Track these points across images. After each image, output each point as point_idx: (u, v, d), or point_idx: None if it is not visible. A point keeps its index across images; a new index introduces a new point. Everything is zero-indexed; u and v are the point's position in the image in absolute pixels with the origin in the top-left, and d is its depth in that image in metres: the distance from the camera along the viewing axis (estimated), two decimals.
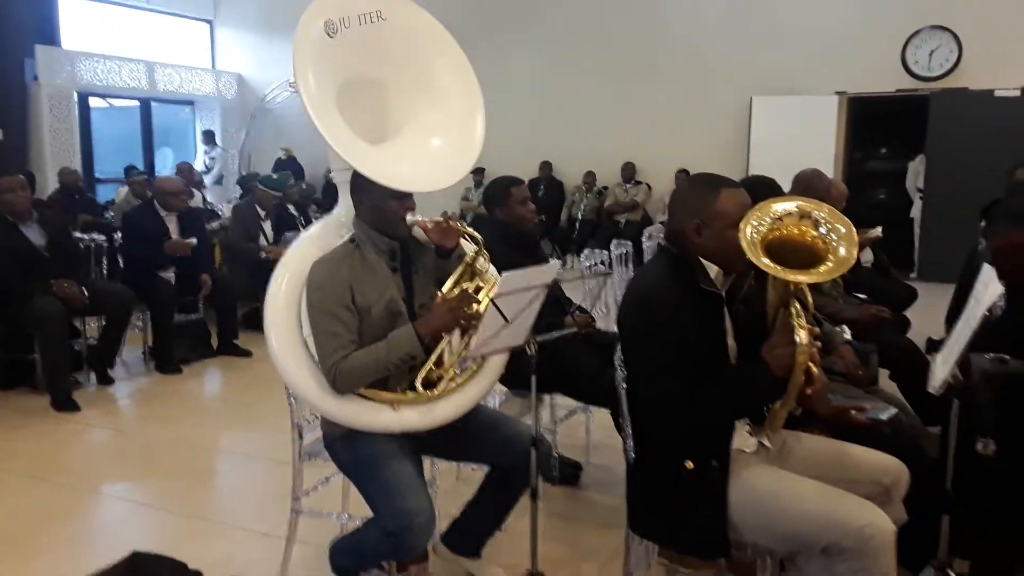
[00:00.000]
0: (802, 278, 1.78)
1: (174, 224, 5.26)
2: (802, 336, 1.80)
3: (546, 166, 9.91)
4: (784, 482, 1.86)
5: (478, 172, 9.04)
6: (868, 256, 5.44)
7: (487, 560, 2.48)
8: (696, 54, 9.06)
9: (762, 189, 2.49)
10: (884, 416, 2.39)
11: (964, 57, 7.81)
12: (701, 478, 1.88)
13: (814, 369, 1.87)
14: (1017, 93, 7.63)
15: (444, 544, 2.49)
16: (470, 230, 2.33)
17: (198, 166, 10.65)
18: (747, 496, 1.84)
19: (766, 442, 2.01)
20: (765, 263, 1.78)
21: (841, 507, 1.75)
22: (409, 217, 2.25)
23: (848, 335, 3.65)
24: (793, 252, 1.85)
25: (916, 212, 8.45)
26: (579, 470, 3.29)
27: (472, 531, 2.45)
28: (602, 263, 4.16)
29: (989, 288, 2.01)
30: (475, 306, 2.13)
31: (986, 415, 2.11)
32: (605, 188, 9.52)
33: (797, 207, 1.88)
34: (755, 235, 1.84)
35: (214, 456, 3.83)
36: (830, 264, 1.81)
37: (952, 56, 7.86)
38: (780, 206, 1.88)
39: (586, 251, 4.22)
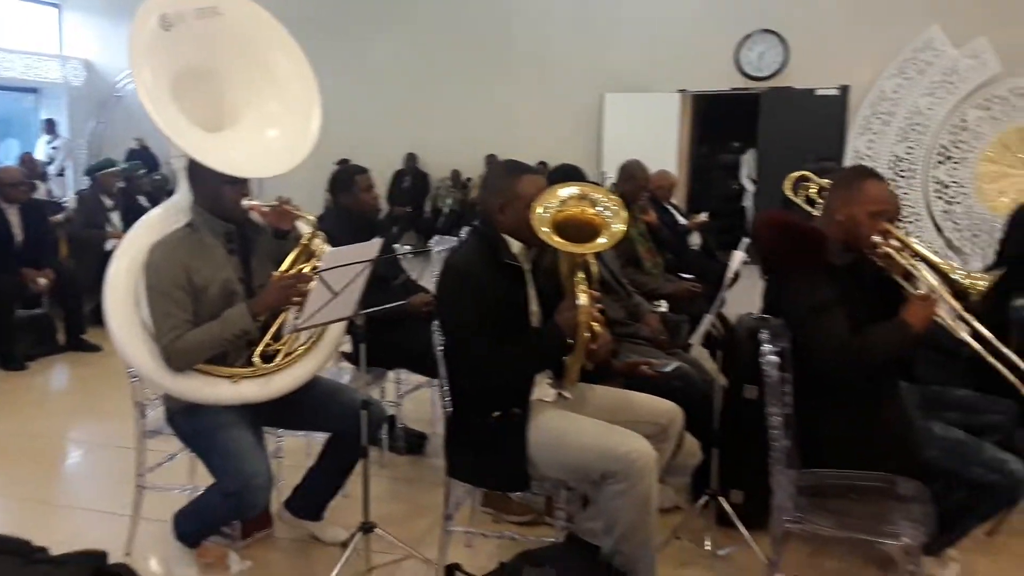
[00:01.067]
0: (581, 249, 2.10)
1: (16, 216, 5.11)
2: (583, 299, 2.13)
3: (411, 158, 10.09)
4: (570, 423, 2.18)
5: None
6: (696, 239, 6.00)
7: (328, 522, 2.68)
8: (551, 51, 9.49)
9: (570, 176, 2.83)
10: (668, 369, 2.77)
11: (790, 59, 8.59)
12: (505, 424, 2.17)
13: (597, 328, 2.20)
14: (836, 91, 8.47)
15: (287, 509, 2.67)
16: (305, 213, 2.52)
17: (40, 156, 10.13)
18: (542, 436, 2.15)
19: (565, 393, 2.33)
20: (552, 238, 2.09)
21: (612, 439, 2.09)
22: (245, 201, 2.41)
23: (665, 307, 4.10)
24: (578, 229, 2.16)
25: (748, 201, 9.23)
26: (424, 440, 3.54)
27: (313, 495, 2.65)
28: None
29: (736, 257, 2.41)
30: (305, 283, 2.33)
31: (748, 365, 2.51)
32: (469, 180, 9.82)
33: (578, 191, 2.19)
34: (545, 214, 2.15)
35: (61, 445, 3.82)
36: (606, 238, 2.13)
37: (779, 58, 8.63)
38: (564, 191, 2.18)
39: (437, 237, 4.48)
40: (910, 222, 8.19)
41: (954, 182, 8.09)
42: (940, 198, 8.13)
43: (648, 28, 9.03)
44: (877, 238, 2.40)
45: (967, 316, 2.32)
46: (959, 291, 2.38)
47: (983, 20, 7.72)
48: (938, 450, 2.31)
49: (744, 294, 4.82)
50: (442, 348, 2.30)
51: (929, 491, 2.20)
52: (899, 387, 2.47)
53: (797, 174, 3.66)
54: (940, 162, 8.11)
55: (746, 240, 2.65)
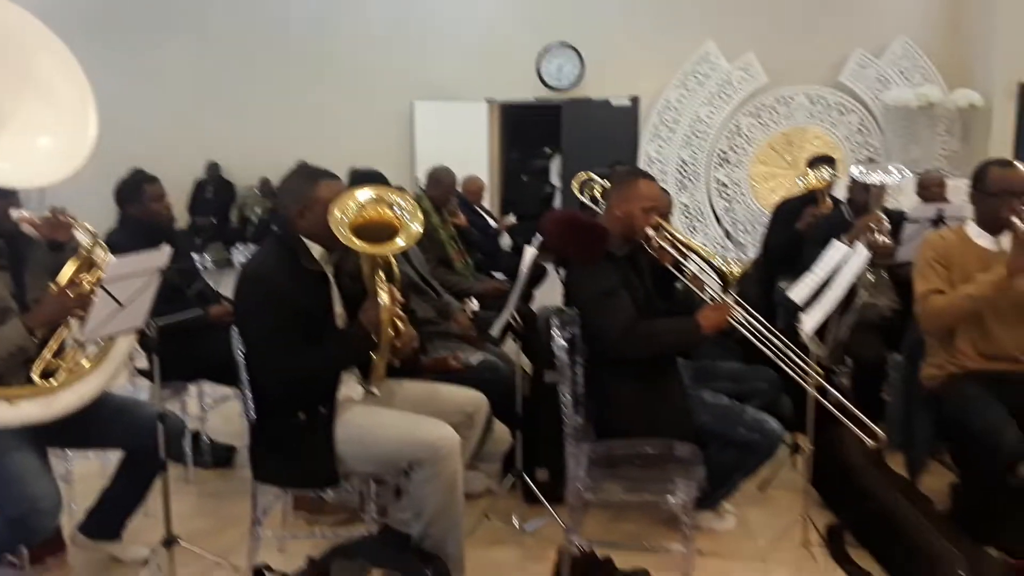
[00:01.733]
0: (380, 251, 2.16)
1: None
2: (384, 298, 2.20)
3: (213, 167, 9.65)
4: (375, 416, 2.24)
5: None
6: (507, 240, 6.26)
7: (128, 541, 2.56)
8: (363, 57, 9.46)
9: (370, 179, 2.90)
10: (474, 361, 2.91)
11: (586, 71, 9.13)
12: (312, 424, 2.19)
13: (400, 325, 2.28)
14: (628, 102, 9.10)
15: (82, 532, 2.52)
16: (83, 223, 2.40)
17: None
18: (349, 432, 2.20)
19: (373, 389, 2.39)
20: (351, 241, 2.14)
21: (417, 428, 2.18)
22: (14, 212, 2.26)
23: (476, 305, 4.25)
24: (377, 231, 2.22)
25: (559, 202, 9.70)
26: (233, 452, 3.44)
27: (109, 515, 2.52)
28: None
29: (527, 253, 2.58)
30: (86, 294, 2.21)
31: (548, 353, 2.69)
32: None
33: (375, 194, 2.25)
34: (344, 218, 2.19)
35: None
36: (404, 238, 2.20)
37: (576, 70, 9.14)
38: (361, 194, 2.24)
39: (240, 246, 4.36)
40: (697, 219, 8.97)
41: (732, 182, 8.95)
42: (721, 197, 8.96)
43: (456, 39, 9.24)
44: (650, 231, 2.68)
45: (723, 297, 2.64)
46: (720, 274, 2.70)
47: (751, 37, 8.62)
48: (709, 416, 2.60)
49: (556, 288, 5.11)
50: (243, 354, 2.28)
51: (702, 453, 2.48)
52: (676, 363, 2.76)
53: (583, 176, 3.95)
54: (720, 164, 8.94)
55: (538, 238, 2.84)
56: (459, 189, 6.22)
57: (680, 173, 8.97)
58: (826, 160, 4.74)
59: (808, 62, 8.66)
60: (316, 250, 2.30)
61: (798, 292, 2.97)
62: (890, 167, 3.84)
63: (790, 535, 2.69)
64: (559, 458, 2.57)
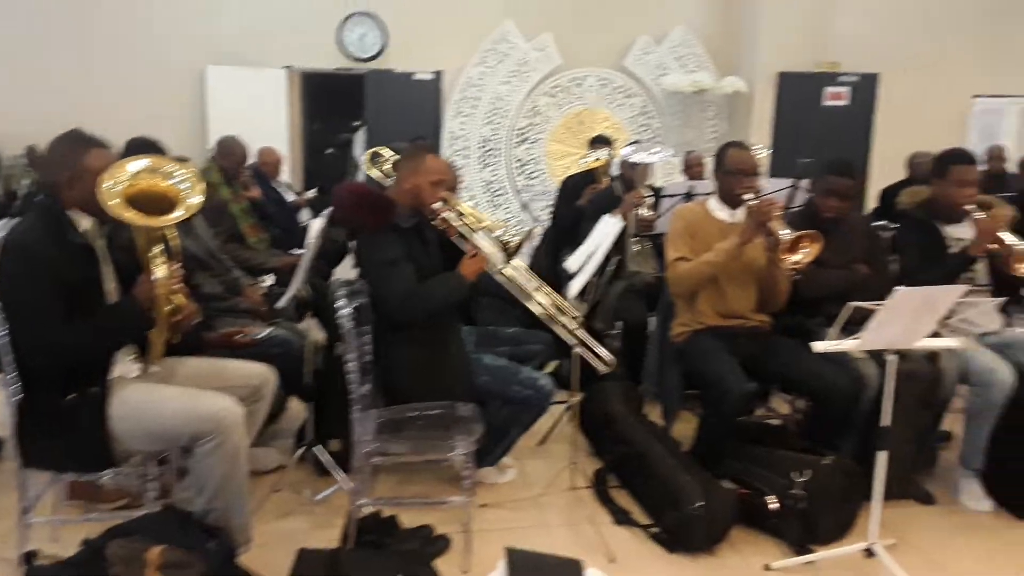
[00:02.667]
0: (154, 223, 2.13)
1: None
2: (160, 272, 2.17)
3: None
4: (153, 392, 2.23)
5: None
6: (307, 215, 6.19)
7: None
8: (146, 16, 8.79)
9: (146, 149, 2.80)
10: (260, 336, 2.93)
11: (389, 42, 9.09)
12: (82, 404, 2.13)
13: (179, 300, 2.26)
14: (431, 76, 9.18)
15: None
16: None
17: None
18: (125, 410, 2.16)
19: (152, 367, 2.35)
20: (122, 212, 2.09)
21: (198, 401, 2.19)
22: None
23: (271, 280, 4.20)
24: (154, 202, 2.18)
25: (362, 177, 9.64)
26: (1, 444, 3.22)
27: None
28: None
29: (314, 225, 2.65)
30: None
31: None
32: None
33: (150, 163, 2.21)
34: (115, 188, 2.13)
35: None
36: (182, 210, 2.18)
37: (379, 41, 9.08)
38: (134, 164, 2.19)
39: (5, 220, 4.01)
40: (498, 194, 9.29)
41: (531, 159, 9.34)
42: (520, 174, 9.33)
43: (254, 1, 8.85)
44: (437, 204, 2.83)
45: (505, 265, 2.86)
46: (506, 245, 2.91)
47: (547, 19, 8.99)
48: (487, 376, 2.82)
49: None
50: (6, 330, 2.16)
51: (481, 411, 2.68)
52: (459, 329, 2.94)
53: (371, 151, 4.03)
54: (519, 143, 9.30)
55: (327, 211, 2.90)
56: (255, 161, 6.06)
57: (483, 150, 9.22)
58: (604, 141, 5.14)
59: (599, 46, 9.19)
60: (86, 222, 2.22)
61: (572, 261, 3.27)
62: (653, 148, 4.25)
63: (561, 481, 2.98)
64: (351, 427, 2.67)
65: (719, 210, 3.12)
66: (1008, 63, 9.34)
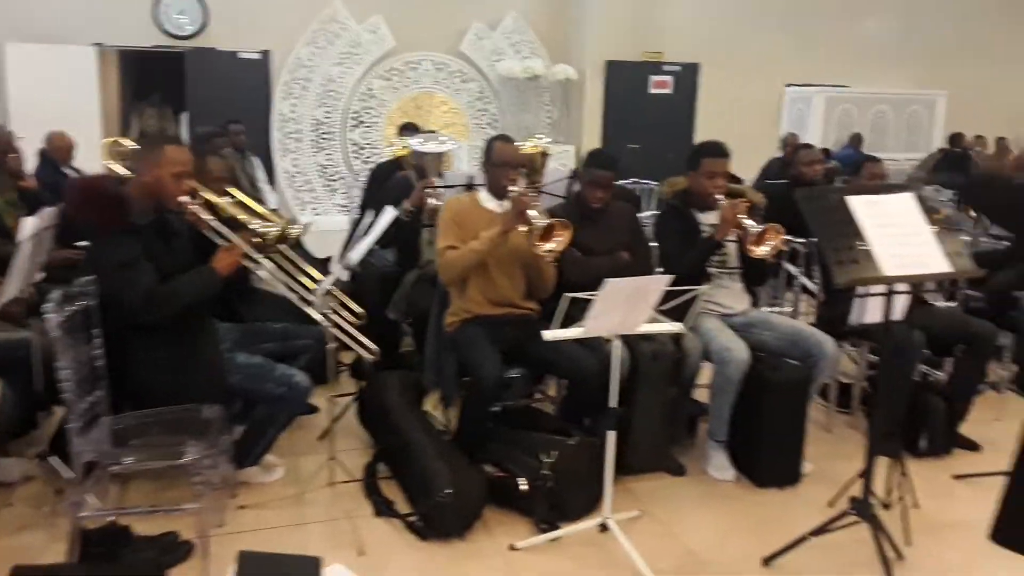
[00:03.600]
0: None
1: None
2: None
3: None
4: None
5: None
6: None
7: None
8: None
9: None
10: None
11: (211, 20, 8.67)
12: None
13: None
14: (258, 55, 8.84)
15: None
16: None
17: None
18: None
19: None
20: None
21: None
22: None
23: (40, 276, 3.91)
24: None
25: None
26: None
27: None
28: None
29: (26, 224, 2.49)
30: None
31: None
32: None
33: None
34: None
35: None
36: None
37: (200, 18, 8.64)
38: None
39: None
40: (333, 179, 9.11)
41: (367, 143, 9.21)
42: (357, 158, 9.18)
43: None
44: (184, 198, 2.71)
45: (257, 255, 2.78)
46: (263, 238, 2.84)
47: (378, 1, 8.85)
48: (240, 376, 2.75)
49: None
50: None
51: (230, 412, 2.62)
52: (212, 326, 2.85)
53: (110, 140, 3.82)
54: (354, 126, 9.14)
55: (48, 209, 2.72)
56: (44, 146, 5.64)
57: (316, 133, 9.00)
58: (413, 128, 5.12)
59: (433, 30, 9.15)
60: None
61: (356, 252, 3.25)
62: (441, 138, 4.28)
63: (321, 477, 2.97)
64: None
65: (488, 201, 3.17)
66: (817, 55, 10.04)
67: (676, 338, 3.13)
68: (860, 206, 2.27)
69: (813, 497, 3.01)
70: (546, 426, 2.99)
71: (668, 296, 2.54)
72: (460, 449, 2.91)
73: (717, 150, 3.37)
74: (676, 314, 2.68)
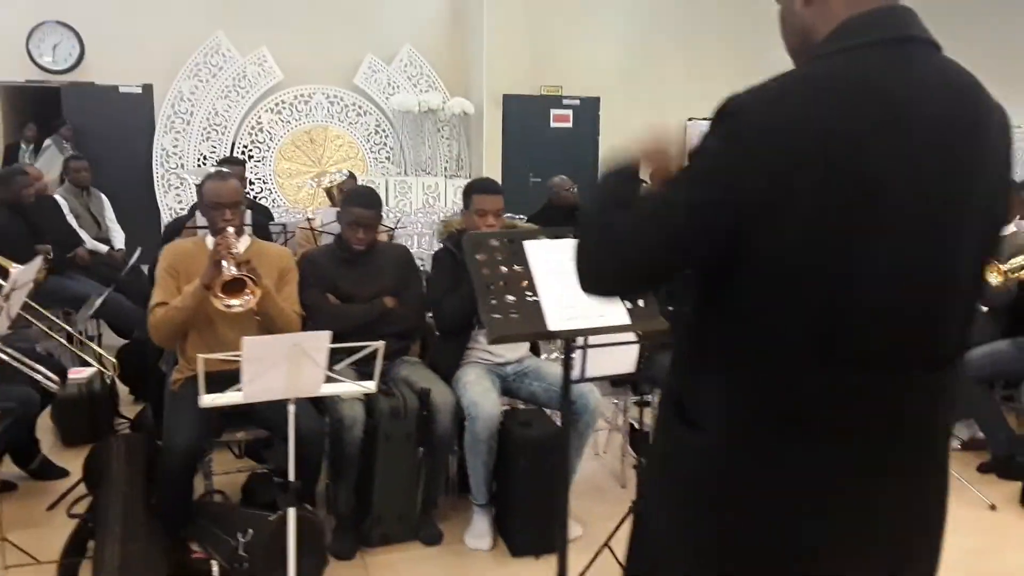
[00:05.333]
0: None
1: None
2: None
3: None
4: None
5: None
6: None
7: None
8: None
9: None
10: None
11: (87, 54, 8.36)
12: None
13: None
14: (139, 90, 8.54)
15: None
16: None
17: None
18: None
19: None
20: None
21: None
22: None
23: None
24: None
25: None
26: None
27: None
28: None
29: None
30: None
31: None
32: None
33: None
34: None
35: None
36: None
37: (75, 52, 8.34)
38: None
39: None
40: None
41: (258, 178, 8.91)
42: (248, 193, 8.86)
43: None
44: None
45: None
46: None
47: (264, 32, 8.60)
48: None
49: None
50: None
51: None
52: None
53: None
54: (244, 161, 8.83)
55: None
56: None
57: (201, 168, 8.68)
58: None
59: (324, 62, 8.91)
60: None
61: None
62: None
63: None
64: None
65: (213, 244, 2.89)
66: (718, 88, 9.95)
67: (423, 393, 2.85)
68: (537, 251, 2.02)
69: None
70: (259, 498, 2.68)
71: (349, 351, 2.26)
72: (164, 527, 2.59)
73: (488, 187, 3.14)
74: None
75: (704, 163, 1.09)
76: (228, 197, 2.78)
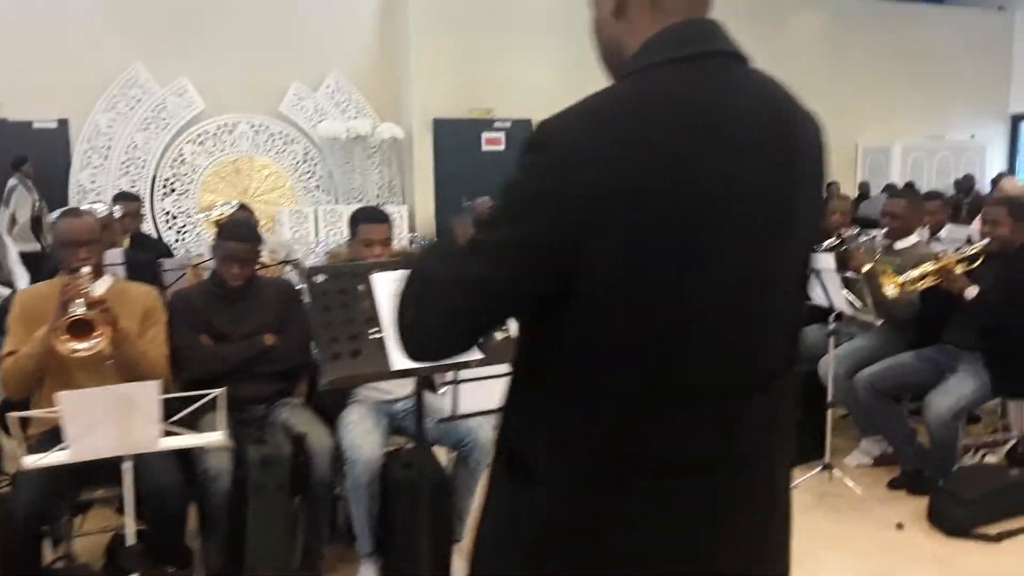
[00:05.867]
0: None
1: None
2: None
3: None
4: None
5: None
6: None
7: None
8: None
9: None
10: None
11: (1, 90, 8.06)
12: None
13: None
14: (55, 125, 8.26)
15: None
16: None
17: None
18: None
19: None
20: None
21: None
22: None
23: None
24: None
25: None
26: None
27: None
28: None
29: None
30: None
31: None
32: None
33: None
34: None
35: None
36: None
37: None
38: None
39: None
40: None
41: (181, 211, 8.65)
42: (171, 228, 8.61)
43: None
44: None
45: None
46: None
47: (182, 62, 8.39)
48: None
49: None
50: None
51: None
52: None
53: None
54: (166, 194, 8.59)
55: None
56: None
57: (141, 202, 8.38)
58: (128, 197, 4.70)
59: (247, 91, 8.72)
60: None
61: None
62: (97, 204, 3.90)
63: None
64: None
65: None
66: None
67: (297, 438, 2.69)
68: (385, 284, 1.89)
69: None
70: (122, 561, 2.48)
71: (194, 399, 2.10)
72: None
73: (373, 215, 3.02)
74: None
75: (515, 197, 1.01)
76: (82, 235, 2.61)
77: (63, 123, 8.30)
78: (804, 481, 3.50)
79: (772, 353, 1.06)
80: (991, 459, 3.76)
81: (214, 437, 2.14)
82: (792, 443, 1.14)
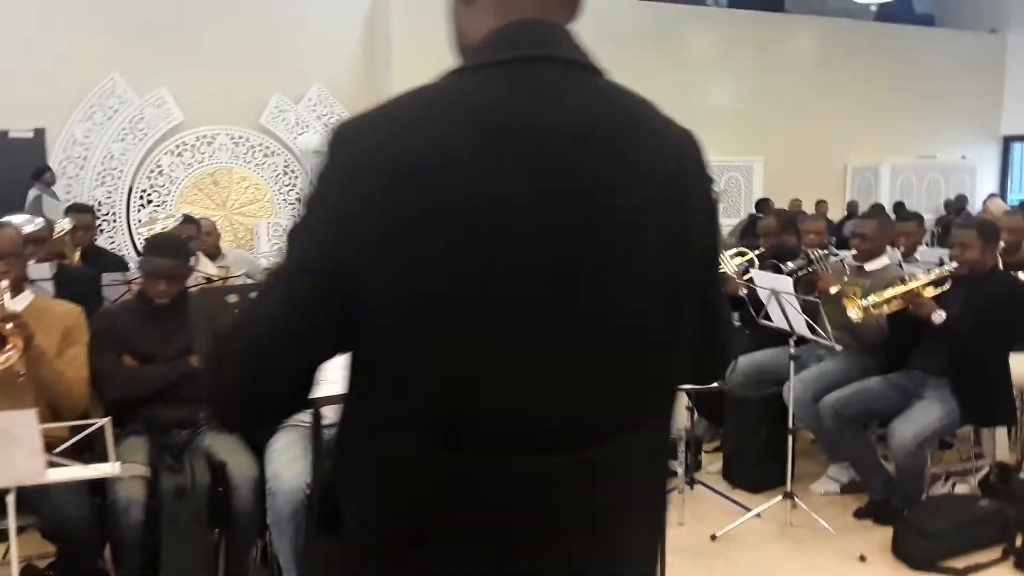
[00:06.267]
0: None
1: None
2: None
3: None
4: None
5: None
6: None
7: None
8: None
9: None
10: None
11: None
12: None
13: None
14: (31, 135, 8.17)
15: None
16: None
17: None
18: None
19: None
20: None
21: None
22: None
23: None
24: None
25: None
26: None
27: None
28: None
29: None
30: None
31: None
32: None
33: None
34: None
35: None
36: None
37: None
38: None
39: None
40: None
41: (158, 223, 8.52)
42: (149, 237, 8.47)
43: None
44: None
45: None
46: None
47: (161, 72, 8.30)
48: None
49: None
50: None
51: None
52: None
53: None
54: (142, 205, 8.48)
55: None
56: None
57: (96, 214, 8.28)
58: (81, 208, 4.60)
59: (227, 103, 8.64)
60: None
61: None
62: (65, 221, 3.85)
63: None
64: None
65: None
66: None
67: (218, 467, 2.55)
68: None
69: None
70: None
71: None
72: None
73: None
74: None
75: (308, 208, 0.88)
76: (2, 248, 2.49)
77: (39, 132, 8.21)
78: (766, 510, 3.36)
79: (598, 407, 0.90)
80: (962, 488, 3.61)
81: (104, 468, 2.00)
82: (651, 509, 1.00)
